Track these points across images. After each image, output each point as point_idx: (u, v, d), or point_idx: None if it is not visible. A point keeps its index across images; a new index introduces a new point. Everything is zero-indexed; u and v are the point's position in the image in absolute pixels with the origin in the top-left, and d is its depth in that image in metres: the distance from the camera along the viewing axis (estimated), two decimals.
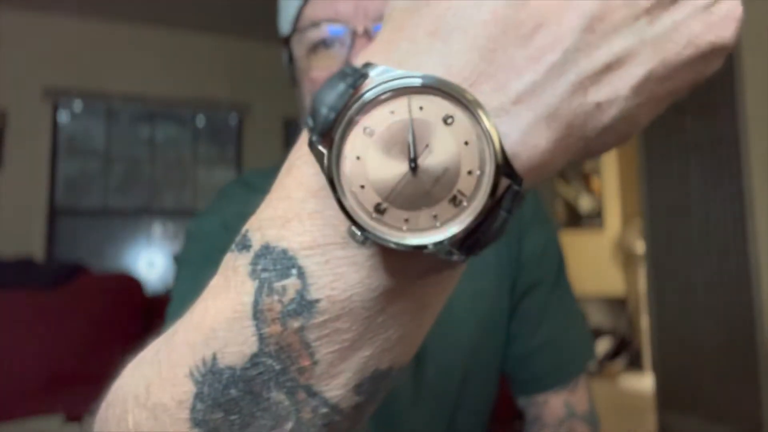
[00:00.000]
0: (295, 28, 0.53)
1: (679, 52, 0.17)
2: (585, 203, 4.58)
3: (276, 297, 0.18)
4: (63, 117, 3.44)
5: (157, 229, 3.59)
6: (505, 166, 0.15)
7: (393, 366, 0.20)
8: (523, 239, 0.63)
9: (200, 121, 3.73)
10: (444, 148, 0.15)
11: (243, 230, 0.21)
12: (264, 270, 0.19)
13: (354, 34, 0.48)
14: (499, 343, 0.62)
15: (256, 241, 0.20)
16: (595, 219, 4.58)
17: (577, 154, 0.17)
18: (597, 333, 4.14)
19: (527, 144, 0.16)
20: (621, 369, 4.07)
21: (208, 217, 0.57)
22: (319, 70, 0.50)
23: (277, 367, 0.19)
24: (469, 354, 0.59)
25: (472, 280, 0.59)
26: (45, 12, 3.26)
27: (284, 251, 0.18)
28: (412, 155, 0.15)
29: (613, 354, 4.12)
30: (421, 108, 0.15)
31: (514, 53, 0.16)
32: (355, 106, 0.16)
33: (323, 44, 0.50)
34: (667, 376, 2.66)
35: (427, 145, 0.15)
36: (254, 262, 0.19)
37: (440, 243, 0.16)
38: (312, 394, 0.19)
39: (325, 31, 0.49)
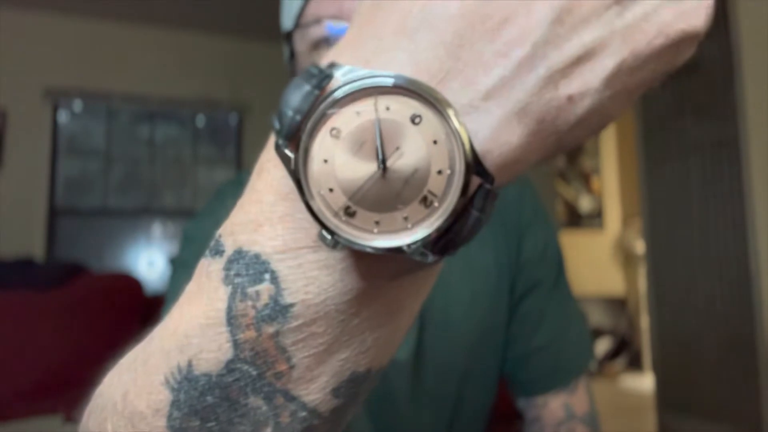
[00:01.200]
0: (298, 23, 0.53)
1: (649, 41, 0.16)
2: (585, 203, 4.58)
3: (249, 302, 0.18)
4: (63, 117, 3.44)
5: (157, 229, 3.59)
6: (475, 165, 0.15)
7: (371, 368, 0.20)
8: (522, 240, 0.63)
9: (200, 121, 3.73)
10: (412, 148, 0.15)
11: (216, 235, 0.20)
12: (237, 275, 0.18)
13: None
14: (499, 344, 0.62)
15: (229, 246, 0.19)
16: (595, 219, 4.58)
17: (549, 149, 0.17)
18: (597, 333, 4.14)
19: (498, 141, 0.16)
20: (621, 369, 4.07)
21: (203, 219, 0.57)
22: None
23: (254, 373, 0.19)
24: (468, 355, 0.59)
25: (472, 282, 0.59)
26: (45, 12, 3.26)
27: (257, 256, 0.18)
28: (380, 156, 0.15)
29: (613, 354, 4.12)
30: (387, 108, 0.15)
31: (482, 48, 0.16)
32: (321, 107, 0.15)
33: (325, 41, 0.50)
34: (667, 376, 2.66)
35: (396, 147, 0.15)
36: (227, 267, 0.19)
37: (412, 245, 0.16)
38: (290, 398, 0.19)
39: (328, 28, 0.49)
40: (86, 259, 2.93)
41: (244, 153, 3.75)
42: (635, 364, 4.10)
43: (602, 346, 4.10)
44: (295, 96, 0.16)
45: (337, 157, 0.15)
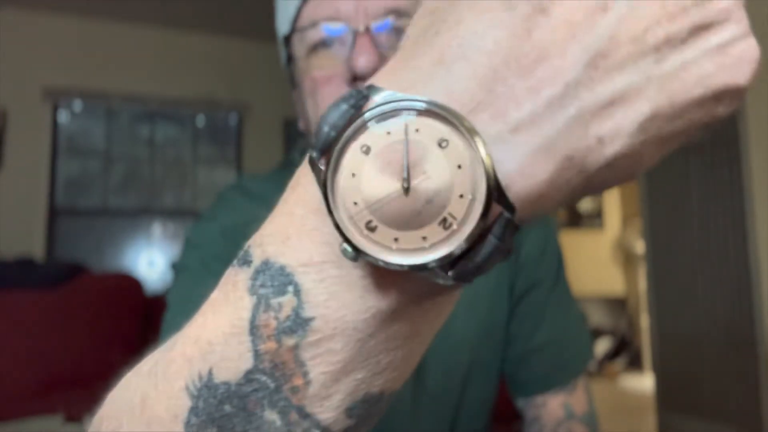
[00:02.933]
0: (294, 27, 0.52)
1: (688, 90, 0.16)
2: (585, 203, 4.58)
3: (272, 313, 0.19)
4: (63, 117, 3.44)
5: (157, 229, 3.59)
6: (497, 193, 0.15)
7: (384, 391, 0.20)
8: (522, 240, 0.63)
9: (200, 121, 3.73)
10: (437, 171, 0.15)
11: (246, 246, 0.21)
12: (262, 286, 0.19)
13: (355, 34, 0.48)
14: (499, 344, 0.62)
15: (257, 257, 0.20)
16: (595, 219, 4.58)
17: (577, 189, 0.17)
18: (597, 333, 4.14)
19: (523, 173, 0.16)
20: (621, 369, 4.07)
21: (206, 225, 0.56)
22: (320, 69, 0.50)
23: (272, 385, 0.19)
24: (469, 354, 0.59)
25: (472, 282, 0.59)
26: (45, 12, 3.26)
27: (282, 268, 0.19)
28: (404, 175, 0.15)
29: (613, 354, 4.12)
30: (417, 130, 0.16)
31: (515, 83, 0.16)
32: (354, 124, 0.16)
33: (323, 44, 0.50)
34: (667, 376, 2.66)
35: (421, 168, 0.16)
36: (254, 278, 0.19)
37: (428, 265, 0.16)
38: (304, 415, 0.19)
39: (326, 30, 0.49)
40: (86, 259, 2.93)
41: (244, 153, 3.75)
42: (635, 364, 4.11)
43: (602, 346, 4.10)
44: (333, 114, 0.16)
45: (364, 172, 0.16)
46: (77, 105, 3.43)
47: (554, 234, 0.66)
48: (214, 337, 0.20)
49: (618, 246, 4.41)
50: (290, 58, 0.54)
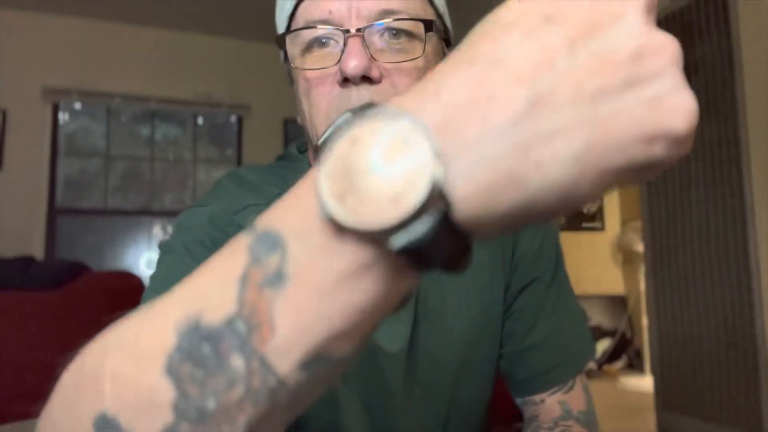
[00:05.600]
0: (290, 27, 0.53)
1: (621, 130, 0.19)
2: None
3: (261, 268, 0.22)
4: (63, 117, 3.44)
5: (157, 229, 3.60)
6: (439, 188, 0.20)
7: (339, 355, 0.24)
8: (518, 237, 0.63)
9: (200, 121, 3.73)
10: (401, 162, 0.20)
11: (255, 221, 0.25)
12: (258, 247, 0.23)
13: (346, 35, 0.48)
14: (494, 339, 0.62)
15: (261, 226, 0.24)
16: (595, 219, 4.58)
17: (520, 207, 0.20)
18: (597, 333, 4.14)
19: (465, 179, 0.20)
20: (621, 369, 4.07)
21: (197, 210, 0.57)
22: (313, 70, 0.51)
23: (244, 332, 0.22)
24: (462, 349, 0.59)
25: (465, 276, 0.59)
26: (45, 12, 3.26)
27: (277, 232, 0.23)
28: (376, 160, 0.20)
29: (613, 354, 4.12)
30: (394, 131, 0.20)
31: (472, 114, 0.20)
32: (351, 125, 0.21)
33: (316, 44, 0.51)
34: (667, 376, 2.66)
35: (390, 156, 0.20)
36: (253, 241, 0.23)
37: (377, 230, 0.20)
38: (264, 364, 0.22)
39: (318, 31, 0.50)
40: (86, 259, 2.93)
41: (244, 153, 3.75)
42: (635, 364, 4.11)
43: (602, 346, 4.10)
44: (342, 117, 0.22)
45: (348, 157, 0.20)
46: (77, 105, 3.43)
47: (552, 231, 0.66)
48: (210, 286, 0.24)
49: (618, 246, 4.41)
50: (286, 57, 0.54)
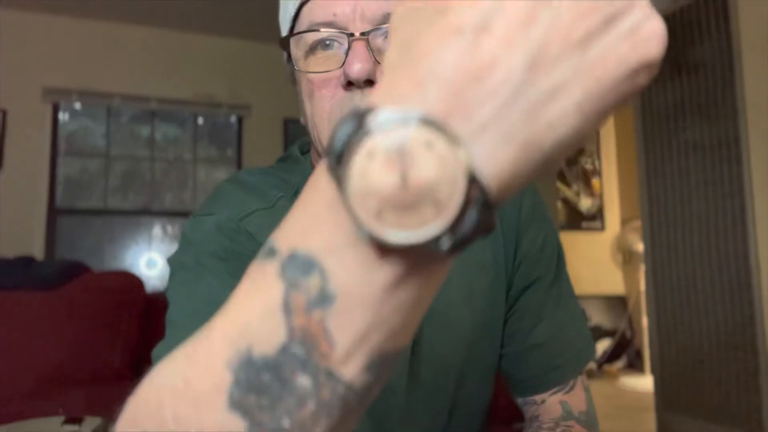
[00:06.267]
0: (293, 29, 0.53)
1: (610, 71, 0.20)
2: (585, 203, 4.58)
3: (302, 293, 0.22)
4: (63, 117, 3.44)
5: (157, 229, 3.60)
6: (473, 178, 0.20)
7: (397, 349, 0.24)
8: (521, 236, 0.63)
9: (200, 121, 3.73)
10: (426, 166, 0.20)
11: (269, 242, 0.25)
12: (291, 272, 0.23)
13: (351, 38, 0.48)
14: (496, 341, 0.62)
15: (283, 249, 0.23)
16: (595, 219, 4.58)
17: (538, 166, 0.21)
18: (597, 333, 4.14)
19: (492, 160, 0.20)
20: (621, 369, 4.07)
21: (202, 220, 0.56)
22: (317, 72, 0.50)
23: (303, 354, 0.23)
24: (465, 349, 0.59)
25: (469, 276, 0.59)
26: (45, 12, 3.26)
27: (307, 254, 0.23)
28: (402, 172, 0.20)
29: (613, 354, 4.12)
30: (407, 137, 0.20)
31: (476, 91, 0.20)
32: (360, 137, 0.20)
33: (320, 47, 0.50)
34: (667, 376, 2.66)
35: (414, 165, 0.20)
36: (282, 266, 0.23)
37: (426, 239, 0.20)
38: (331, 376, 0.23)
39: (322, 34, 0.50)
40: (86, 259, 2.92)
41: (244, 153, 3.75)
42: (635, 364, 4.11)
43: (602, 346, 4.10)
44: (343, 130, 0.21)
45: (370, 173, 0.20)
46: (77, 105, 3.43)
47: (554, 232, 0.66)
48: (250, 319, 0.24)
49: (618, 246, 4.41)
50: (290, 58, 0.54)
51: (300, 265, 0.23)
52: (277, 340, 0.23)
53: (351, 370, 0.23)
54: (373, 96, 0.23)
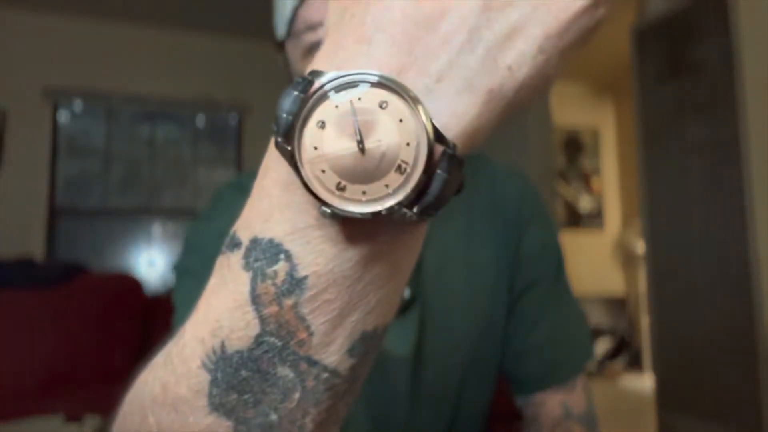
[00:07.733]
0: (290, 30, 0.52)
1: (566, 7, 0.19)
2: (585, 203, 4.58)
3: (269, 281, 0.21)
4: (63, 117, 3.44)
5: (157, 229, 3.59)
6: (436, 135, 0.18)
7: (377, 327, 0.23)
8: (522, 237, 0.63)
9: (200, 121, 3.73)
10: (384, 129, 0.18)
11: (231, 232, 0.23)
12: (256, 260, 0.21)
13: None
14: (498, 341, 0.62)
15: (245, 238, 0.22)
16: (595, 219, 4.58)
17: (501, 113, 0.20)
18: (597, 333, 4.14)
19: (455, 113, 0.19)
20: (621, 369, 4.07)
21: (205, 225, 0.57)
22: None
23: (279, 344, 0.21)
24: (468, 351, 0.59)
25: (471, 277, 0.59)
26: (45, 12, 3.26)
27: (270, 241, 0.21)
28: (358, 137, 0.18)
29: (613, 354, 4.12)
30: (359, 99, 0.18)
31: (428, 41, 0.19)
32: (307, 106, 0.19)
33: (318, 47, 0.50)
34: (667, 376, 2.66)
35: (371, 128, 0.18)
36: (246, 256, 0.22)
37: (395, 207, 0.19)
38: (312, 363, 0.22)
39: (319, 34, 0.49)
40: (86, 259, 2.93)
41: (244, 153, 3.75)
42: (635, 364, 4.10)
43: (602, 346, 4.10)
44: (287, 101, 0.19)
45: (324, 143, 0.18)
46: (77, 105, 3.43)
47: (555, 232, 0.66)
48: (220, 315, 0.22)
49: (618, 246, 4.41)
50: (287, 60, 0.54)
51: (264, 253, 0.21)
52: (250, 333, 0.21)
53: (333, 355, 0.22)
54: (315, 60, 0.21)
